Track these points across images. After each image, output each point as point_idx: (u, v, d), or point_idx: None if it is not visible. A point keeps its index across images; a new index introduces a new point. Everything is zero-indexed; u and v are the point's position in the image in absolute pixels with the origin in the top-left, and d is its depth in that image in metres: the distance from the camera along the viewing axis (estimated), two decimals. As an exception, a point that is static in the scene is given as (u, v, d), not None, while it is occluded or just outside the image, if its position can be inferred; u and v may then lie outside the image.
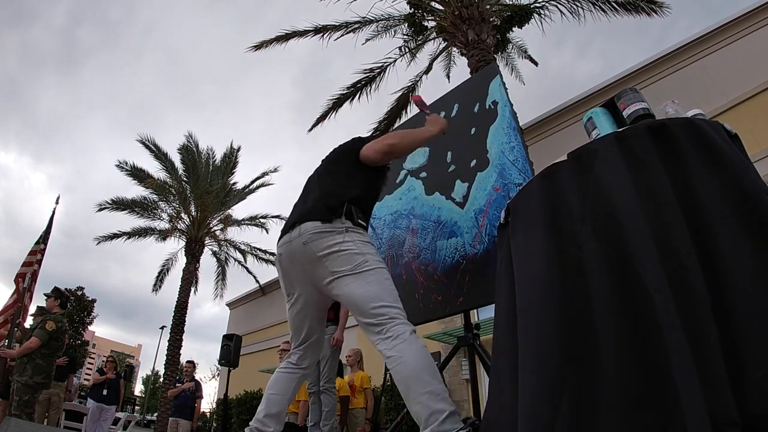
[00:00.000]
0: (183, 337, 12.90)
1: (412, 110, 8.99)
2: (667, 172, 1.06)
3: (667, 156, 1.09)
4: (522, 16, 7.88)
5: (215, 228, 14.27)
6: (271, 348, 12.26)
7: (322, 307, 1.75)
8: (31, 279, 5.02)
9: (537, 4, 7.82)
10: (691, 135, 1.11)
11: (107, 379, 6.20)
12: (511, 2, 8.19)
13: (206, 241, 14.14)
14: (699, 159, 1.06)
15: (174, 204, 13.75)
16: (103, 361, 7.67)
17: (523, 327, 1.18)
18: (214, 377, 28.74)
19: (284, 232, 1.69)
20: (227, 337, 5.99)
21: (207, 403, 22.61)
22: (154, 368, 38.43)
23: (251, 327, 14.44)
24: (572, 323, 1.05)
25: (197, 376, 7.41)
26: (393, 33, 8.47)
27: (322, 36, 8.19)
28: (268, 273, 15.00)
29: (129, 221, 22.67)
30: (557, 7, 7.76)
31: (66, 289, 6.02)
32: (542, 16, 7.90)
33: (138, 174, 13.41)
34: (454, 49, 8.42)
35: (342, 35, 8.22)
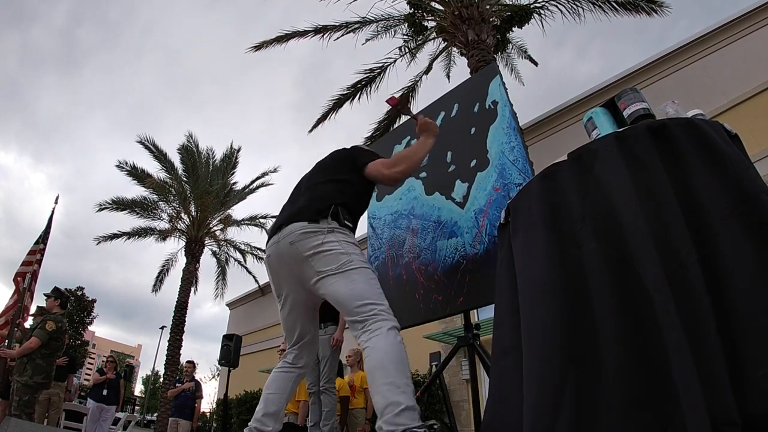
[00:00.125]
0: (183, 337, 12.90)
1: (412, 110, 8.97)
2: (667, 172, 1.07)
3: (667, 156, 1.10)
4: (522, 17, 7.88)
5: (215, 228, 14.28)
6: (271, 348, 12.26)
7: (311, 306, 1.77)
8: (31, 279, 5.02)
9: (537, 4, 7.81)
10: (691, 135, 1.11)
11: (107, 379, 6.20)
12: (511, 2, 8.19)
13: (206, 241, 14.14)
14: (699, 159, 1.06)
15: (174, 204, 13.75)
16: (103, 361, 7.67)
17: (524, 327, 1.18)
18: (214, 377, 28.74)
19: (272, 233, 1.72)
20: (227, 337, 5.99)
21: (207, 403, 22.61)
22: (154, 368, 38.45)
23: (251, 327, 14.44)
24: (572, 323, 1.06)
25: (197, 376, 7.41)
26: (393, 33, 8.48)
27: (322, 36, 8.19)
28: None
29: (129, 221, 22.71)
30: (557, 7, 7.77)
31: (66, 289, 6.02)
32: (542, 16, 7.90)
33: (138, 174, 13.40)
34: (454, 49, 8.42)
35: (342, 35, 8.22)
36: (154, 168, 13.68)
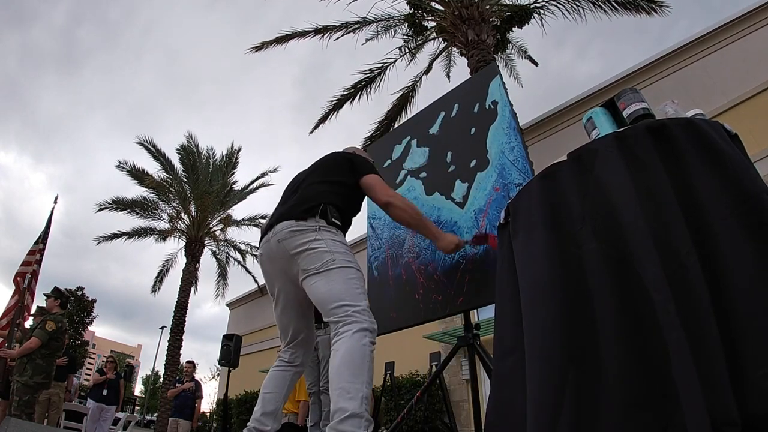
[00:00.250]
0: (183, 337, 12.90)
1: (412, 110, 8.99)
2: (667, 172, 1.07)
3: (667, 156, 1.09)
4: (522, 17, 7.88)
5: (215, 228, 14.29)
6: (271, 348, 12.26)
7: (305, 304, 1.76)
8: (31, 279, 5.02)
9: (537, 4, 7.81)
10: (691, 135, 1.11)
11: (107, 379, 6.20)
12: (511, 2, 8.19)
13: (206, 242, 14.15)
14: (699, 159, 1.06)
15: (174, 204, 13.76)
16: (103, 361, 7.67)
17: (524, 327, 1.18)
18: (214, 377, 28.75)
19: (264, 232, 1.74)
20: (227, 337, 5.99)
21: (207, 403, 22.62)
22: (154, 368, 38.44)
23: (251, 327, 14.43)
24: (573, 323, 1.06)
25: (197, 376, 7.41)
26: (393, 33, 8.48)
27: (322, 36, 8.19)
28: (268, 273, 14.93)
29: (129, 221, 22.72)
30: (557, 6, 7.77)
31: (66, 289, 6.02)
32: (542, 16, 7.90)
33: (138, 174, 13.41)
34: (454, 49, 8.42)
35: (342, 35, 8.22)
36: (154, 168, 13.72)
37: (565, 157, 1.27)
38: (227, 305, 16.60)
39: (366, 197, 1.98)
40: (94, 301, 25.60)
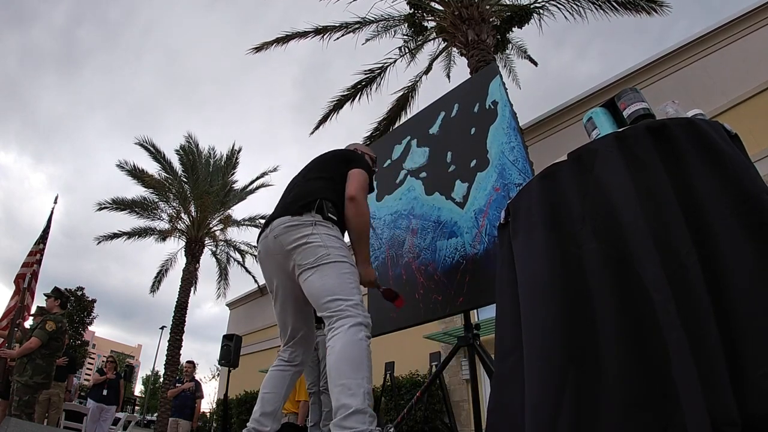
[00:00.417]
0: (183, 337, 12.90)
1: (412, 110, 9.00)
2: (667, 172, 1.07)
3: (667, 156, 1.09)
4: (522, 17, 7.88)
5: (215, 228, 14.28)
6: (271, 348, 12.26)
7: (302, 302, 1.74)
8: (31, 279, 5.02)
9: (537, 4, 7.81)
10: (691, 135, 1.11)
11: (107, 379, 6.20)
12: (511, 2, 8.19)
13: (206, 242, 14.14)
14: (699, 159, 1.06)
15: (174, 204, 13.76)
16: (103, 361, 7.67)
17: (525, 327, 1.18)
18: (214, 377, 28.74)
19: (261, 229, 1.75)
20: (227, 337, 5.99)
21: (207, 403, 22.61)
22: (154, 368, 38.44)
23: (251, 327, 14.43)
24: (573, 323, 1.06)
25: (197, 377, 7.41)
26: (393, 33, 8.48)
27: (322, 37, 8.19)
28: (267, 273, 14.95)
29: (129, 221, 22.72)
30: (557, 6, 7.77)
31: (66, 289, 6.02)
32: (542, 16, 7.90)
33: (138, 174, 13.40)
34: (454, 49, 8.42)
35: (342, 36, 8.22)
36: (154, 168, 13.71)
37: (565, 157, 1.27)
38: (227, 305, 16.60)
39: (374, 193, 1.97)
40: (94, 301, 25.59)
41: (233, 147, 14.62)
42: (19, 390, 3.80)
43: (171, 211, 13.77)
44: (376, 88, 8.82)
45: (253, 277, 14.93)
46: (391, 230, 2.73)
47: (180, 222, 13.68)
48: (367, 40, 8.39)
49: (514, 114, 2.29)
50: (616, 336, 0.98)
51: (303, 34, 8.20)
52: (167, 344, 12.79)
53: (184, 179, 13.75)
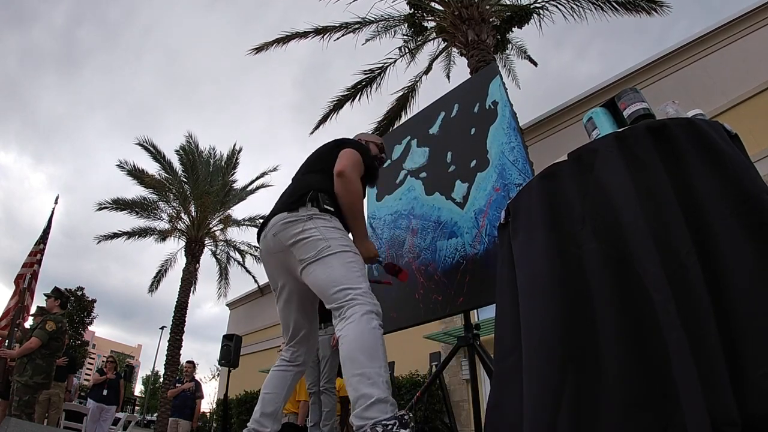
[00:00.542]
0: (183, 337, 12.90)
1: (412, 110, 9.00)
2: (667, 172, 1.07)
3: (667, 156, 1.10)
4: (522, 17, 7.88)
5: (215, 228, 14.29)
6: (271, 348, 12.26)
7: (306, 300, 1.72)
8: (31, 279, 5.02)
9: (537, 5, 7.81)
10: (691, 135, 1.11)
11: (107, 379, 6.20)
12: (510, 2, 8.19)
13: (206, 242, 14.15)
14: (699, 159, 1.06)
15: (174, 204, 13.76)
16: (103, 361, 7.67)
17: (524, 327, 1.19)
18: (214, 377, 28.75)
19: (261, 229, 1.74)
20: (227, 337, 5.99)
21: (207, 403, 22.61)
22: (154, 368, 38.43)
23: (251, 327, 14.43)
24: (573, 323, 1.06)
25: (197, 377, 7.41)
26: (393, 33, 8.48)
27: (322, 37, 8.19)
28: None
29: (129, 221, 22.71)
30: (557, 7, 7.77)
31: (66, 289, 6.02)
32: (542, 16, 7.90)
33: (138, 174, 13.41)
34: (454, 49, 8.42)
35: (342, 36, 8.22)
36: (154, 168, 13.72)
37: (565, 157, 1.27)
38: (227, 305, 16.61)
39: (368, 185, 1.94)
40: (94, 301, 25.58)
41: (234, 147, 14.63)
42: (19, 390, 3.80)
43: (171, 211, 13.79)
44: (376, 88, 8.82)
45: (253, 277, 14.95)
46: (391, 230, 2.73)
47: (180, 222, 13.69)
48: (367, 40, 8.39)
49: (514, 114, 2.30)
50: (616, 336, 0.98)
51: (303, 35, 8.20)
52: (167, 344, 12.79)
53: (184, 179, 13.75)
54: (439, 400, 6.14)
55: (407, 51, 8.69)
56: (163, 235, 13.81)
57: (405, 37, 8.47)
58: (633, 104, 1.35)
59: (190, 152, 13.84)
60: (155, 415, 15.43)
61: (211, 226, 14.14)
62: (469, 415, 6.44)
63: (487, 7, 7.66)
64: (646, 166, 1.09)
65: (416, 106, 9.02)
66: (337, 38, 8.23)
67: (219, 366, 15.18)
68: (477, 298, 2.09)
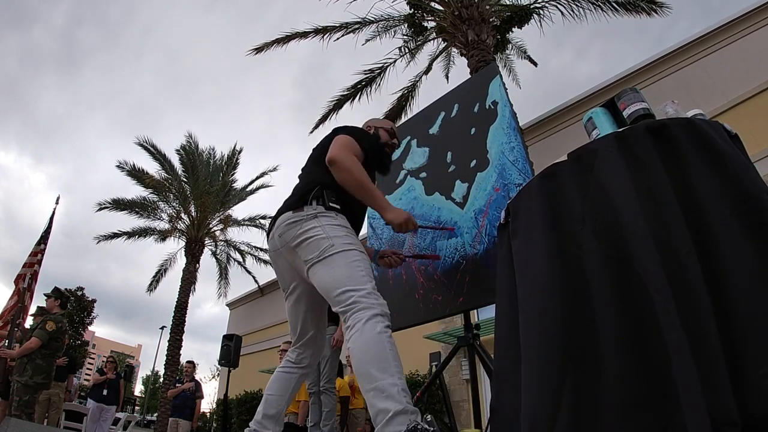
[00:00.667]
0: (183, 337, 12.90)
1: (412, 110, 9.00)
2: (667, 172, 1.07)
3: (667, 156, 1.10)
4: (522, 17, 7.88)
5: (215, 228, 14.29)
6: (271, 348, 12.26)
7: (314, 302, 1.69)
8: (31, 279, 5.02)
9: (537, 5, 7.81)
10: (691, 135, 1.11)
11: (107, 379, 6.20)
12: (510, 2, 8.19)
13: (206, 242, 14.15)
14: (699, 159, 1.07)
15: (174, 204, 13.77)
16: (103, 361, 7.67)
17: (524, 327, 1.19)
18: (214, 377, 28.76)
19: (269, 229, 1.71)
20: (227, 338, 6.00)
21: (207, 403, 22.61)
22: (154, 368, 38.42)
23: (251, 327, 14.44)
24: (572, 323, 1.06)
25: (197, 377, 7.41)
26: (393, 33, 8.48)
27: (322, 37, 8.19)
28: (267, 274, 15.03)
29: (129, 221, 22.70)
30: (557, 7, 7.77)
31: (66, 289, 6.02)
32: (542, 16, 7.90)
33: (138, 174, 13.41)
34: (454, 49, 8.42)
35: (342, 36, 8.22)
36: (154, 168, 13.72)
37: (565, 157, 1.27)
38: (227, 305, 16.61)
39: (380, 172, 1.90)
40: (94, 301, 25.57)
41: (234, 147, 14.62)
42: (19, 390, 3.80)
43: (171, 211, 13.79)
44: (376, 88, 8.83)
45: (253, 277, 14.95)
46: (391, 230, 2.73)
47: (180, 222, 13.69)
48: (367, 40, 8.39)
49: (514, 114, 2.29)
50: (616, 336, 0.98)
51: (303, 35, 8.20)
52: (167, 344, 12.79)
53: (184, 179, 13.75)
54: (439, 400, 6.14)
55: (407, 51, 8.69)
56: (163, 235, 13.81)
57: (405, 37, 8.48)
58: (633, 104, 1.35)
59: (190, 152, 13.84)
60: (155, 415, 15.42)
61: (211, 226, 14.15)
62: (469, 415, 6.44)
63: (487, 7, 7.66)
64: (646, 166, 1.09)
65: (416, 106, 9.03)
66: (337, 38, 8.24)
67: (219, 366, 15.18)
68: (477, 298, 2.09)
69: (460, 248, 2.24)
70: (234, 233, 15.94)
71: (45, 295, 4.48)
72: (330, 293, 1.42)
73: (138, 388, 49.79)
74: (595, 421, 0.94)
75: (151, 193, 13.65)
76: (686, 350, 0.86)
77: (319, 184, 1.59)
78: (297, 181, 1.86)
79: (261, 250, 14.75)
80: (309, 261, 1.49)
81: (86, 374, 52.56)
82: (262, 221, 14.64)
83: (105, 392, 6.12)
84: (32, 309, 4.99)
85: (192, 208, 13.65)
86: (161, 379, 17.30)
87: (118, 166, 13.42)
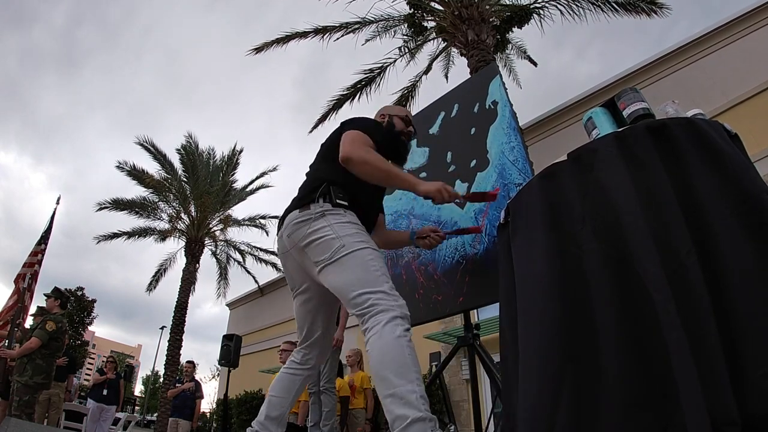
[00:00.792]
0: (183, 337, 12.90)
1: (412, 110, 8.98)
2: (667, 171, 1.07)
3: (667, 156, 1.10)
4: (522, 17, 7.89)
5: (215, 228, 14.29)
6: (271, 348, 12.26)
7: (323, 302, 1.65)
8: (31, 279, 5.02)
9: (537, 5, 7.82)
10: (691, 135, 1.11)
11: (107, 379, 6.20)
12: (510, 2, 8.19)
13: (206, 242, 14.15)
14: (699, 159, 1.07)
15: (174, 204, 13.77)
16: (103, 361, 7.67)
17: (524, 327, 1.19)
18: (214, 377, 28.76)
19: (278, 228, 1.67)
20: (227, 338, 6.00)
21: (207, 403, 22.62)
22: (154, 368, 38.41)
23: (251, 327, 14.44)
24: (572, 323, 1.06)
25: (197, 377, 7.41)
26: (393, 33, 8.48)
27: (322, 37, 8.19)
28: (267, 274, 15.03)
29: (129, 221, 22.67)
30: (557, 7, 7.77)
31: (66, 289, 6.02)
32: (542, 16, 7.91)
33: (138, 174, 13.40)
34: (454, 49, 8.42)
35: (342, 36, 8.22)
36: (154, 168, 13.71)
37: (565, 157, 1.27)
38: (227, 305, 16.61)
39: (396, 163, 1.85)
40: (94, 301, 25.55)
41: (234, 147, 14.61)
42: (19, 390, 3.80)
43: (171, 211, 13.78)
44: (376, 88, 8.83)
45: (253, 277, 14.95)
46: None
47: (180, 222, 13.69)
48: (367, 40, 8.39)
49: (514, 114, 2.29)
50: (616, 336, 0.98)
51: (303, 35, 8.20)
52: (167, 344, 12.79)
53: (184, 179, 13.75)
54: (439, 400, 6.14)
55: (407, 51, 8.69)
56: (163, 235, 13.81)
57: (405, 37, 8.48)
58: (633, 104, 1.35)
59: (190, 152, 13.84)
60: (155, 415, 15.43)
61: (211, 226, 14.14)
62: (469, 415, 6.44)
63: (487, 7, 7.66)
64: (645, 166, 1.09)
65: (416, 106, 9.04)
66: (337, 38, 8.23)
67: (219, 366, 15.17)
68: (477, 298, 2.09)
69: (460, 248, 2.24)
70: (234, 233, 15.93)
71: (45, 295, 4.47)
72: (346, 296, 1.37)
73: (138, 388, 49.77)
74: (595, 421, 0.94)
75: (151, 193, 13.66)
76: (686, 350, 0.86)
77: (326, 181, 1.55)
78: (304, 178, 1.80)
79: (261, 250, 14.77)
80: (320, 262, 1.43)
81: (86, 374, 52.57)
82: (262, 221, 14.66)
83: (105, 392, 6.12)
84: (32, 309, 4.99)
85: (192, 208, 13.65)
86: (161, 379, 17.30)
87: (118, 166, 13.43)
